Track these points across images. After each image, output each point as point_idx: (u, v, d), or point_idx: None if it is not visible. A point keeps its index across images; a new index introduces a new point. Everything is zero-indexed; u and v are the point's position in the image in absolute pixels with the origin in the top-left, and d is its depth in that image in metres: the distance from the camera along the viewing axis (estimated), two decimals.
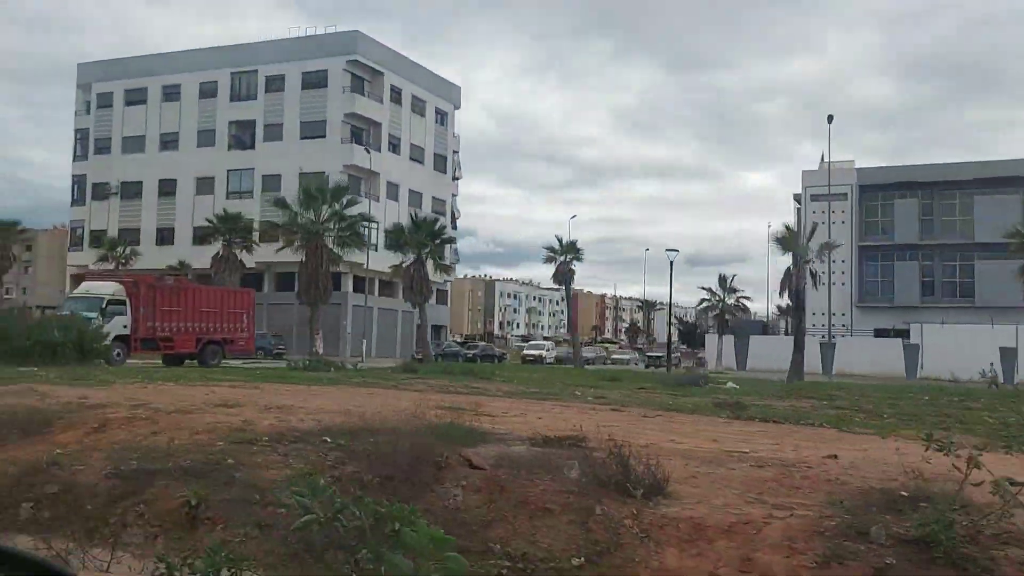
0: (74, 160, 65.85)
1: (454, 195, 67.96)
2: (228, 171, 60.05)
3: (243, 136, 60.49)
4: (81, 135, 65.33)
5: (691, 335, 69.46)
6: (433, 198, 64.82)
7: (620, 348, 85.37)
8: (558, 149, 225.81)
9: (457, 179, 67.99)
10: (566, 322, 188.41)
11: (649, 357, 65.42)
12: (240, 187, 59.77)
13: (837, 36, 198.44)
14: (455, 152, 68.22)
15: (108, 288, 30.84)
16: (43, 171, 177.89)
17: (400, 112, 61.55)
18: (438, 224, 33.18)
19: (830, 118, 42.71)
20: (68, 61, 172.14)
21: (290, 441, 8.82)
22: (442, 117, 66.48)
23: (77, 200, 65.12)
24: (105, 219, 63.09)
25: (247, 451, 8.56)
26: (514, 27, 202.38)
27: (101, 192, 63.30)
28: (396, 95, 61.17)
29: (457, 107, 68.33)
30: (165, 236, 61.34)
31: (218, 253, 44.82)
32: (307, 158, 56.92)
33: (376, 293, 59.07)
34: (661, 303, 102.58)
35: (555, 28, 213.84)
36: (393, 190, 60.42)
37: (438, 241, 34.52)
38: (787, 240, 31.74)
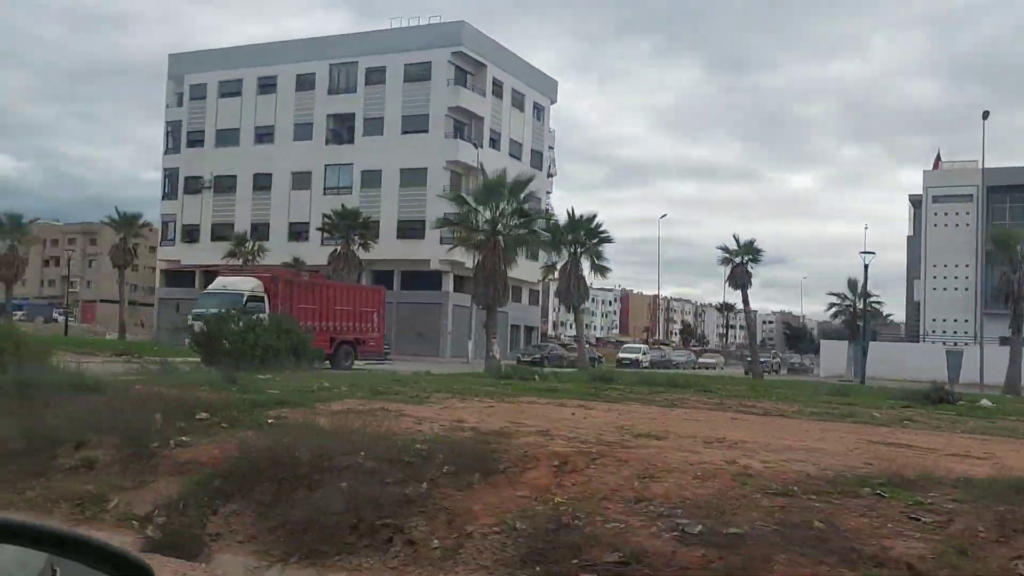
0: (165, 153, 64.91)
1: (548, 192, 66.01)
2: (326, 166, 58.62)
3: (341, 130, 59.05)
4: (172, 128, 64.37)
5: (799, 339, 66.73)
6: (534, 196, 62.93)
7: (702, 352, 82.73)
8: (597, 148, 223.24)
9: (552, 176, 66.02)
10: (618, 323, 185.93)
11: (749, 362, 62.87)
12: (338, 183, 58.33)
13: (882, 38, 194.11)
14: (550, 148, 66.28)
15: (247, 284, 29.39)
16: (85, 165, 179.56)
17: (501, 106, 59.75)
18: (595, 222, 31.14)
19: (985, 114, 39.98)
20: (109, 57, 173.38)
21: (838, 495, 6.89)
22: (539, 111, 64.60)
23: (168, 194, 64.16)
24: (197, 213, 62.07)
25: (824, 507, 6.64)
26: (555, 26, 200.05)
27: (194, 186, 62.23)
28: (498, 88, 59.37)
29: (553, 101, 66.41)
30: (260, 231, 60.07)
31: (336, 250, 43.30)
32: (408, 153, 55.35)
33: (451, 289, 56.76)
34: (734, 307, 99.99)
35: (595, 28, 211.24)
36: None
37: (595, 240, 32.39)
38: (1005, 241, 29.24)
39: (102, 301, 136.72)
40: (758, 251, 38.34)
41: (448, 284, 55.66)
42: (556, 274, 32.06)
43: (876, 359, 51.27)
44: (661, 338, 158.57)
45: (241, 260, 40.65)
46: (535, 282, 65.94)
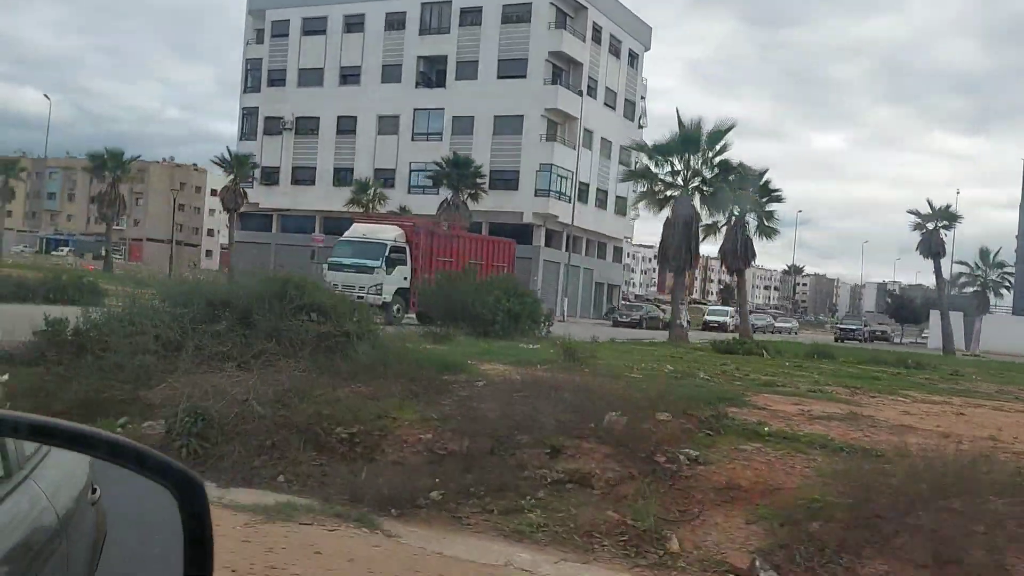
0: (244, 92, 62.72)
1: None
2: (415, 110, 56.28)
3: (432, 73, 56.59)
4: (252, 65, 62.07)
5: (905, 309, 64.30)
6: (620, 148, 60.48)
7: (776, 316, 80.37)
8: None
9: (642, 128, 63.33)
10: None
11: (841, 330, 60.68)
12: (427, 128, 56.05)
13: None
14: (642, 98, 63.54)
15: (389, 233, 26.94)
16: (110, 101, 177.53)
17: (599, 52, 56.99)
18: (764, 178, 28.71)
19: None
20: None
21: None
22: (634, 59, 61.75)
23: (246, 134, 62.11)
24: (277, 155, 60.08)
25: None
26: None
27: (274, 127, 60.16)
28: (597, 33, 56.55)
29: (647, 49, 63.43)
30: (343, 177, 58.09)
31: (446, 200, 41.30)
32: (503, 99, 52.84)
33: (543, 244, 54.55)
34: (802, 269, 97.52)
35: None
36: (587, 138, 56.17)
37: (766, 199, 30.03)
38: None
39: (148, 240, 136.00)
40: (955, 216, 35.58)
41: (540, 239, 53.65)
42: (718, 234, 29.78)
43: (992, 334, 49.08)
44: (698, 297, 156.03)
45: (363, 208, 38.49)
46: (621, 238, 63.86)
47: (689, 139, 23.87)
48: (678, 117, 24.06)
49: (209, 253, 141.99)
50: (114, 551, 1.84)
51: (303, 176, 59.40)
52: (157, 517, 1.50)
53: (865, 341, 57.26)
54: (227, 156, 47.40)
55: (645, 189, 26.26)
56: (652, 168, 25.60)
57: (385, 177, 56.97)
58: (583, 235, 56.95)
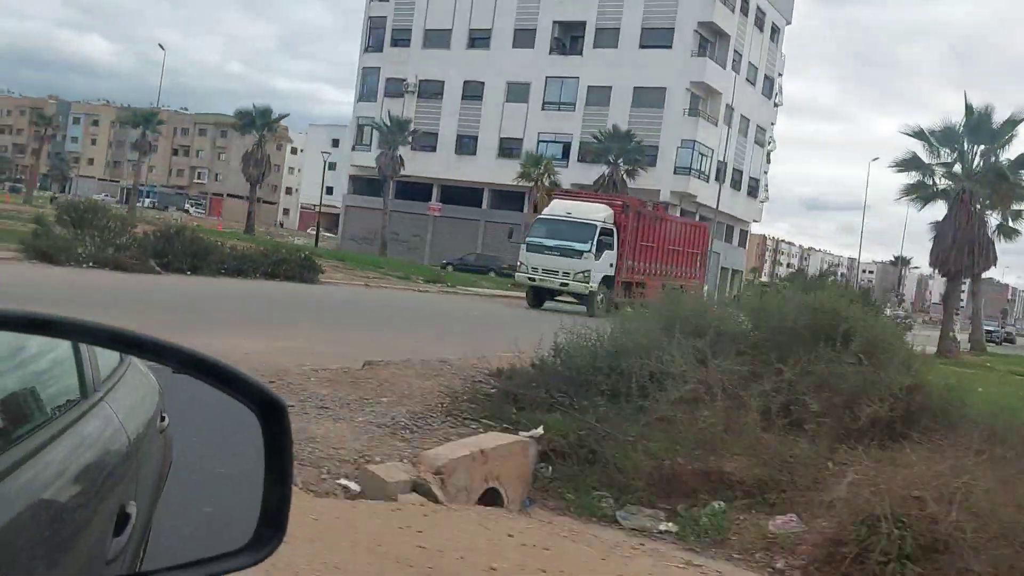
0: (364, 51, 60.70)
1: (772, 124, 60.26)
2: (547, 78, 53.79)
3: (568, 39, 53.96)
4: (375, 24, 59.96)
5: None
6: (757, 126, 57.50)
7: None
8: None
9: (778, 106, 60.14)
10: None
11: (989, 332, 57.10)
12: (560, 97, 53.59)
13: None
14: (779, 75, 60.19)
15: (599, 213, 24.11)
16: (173, 53, 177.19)
17: (746, 24, 53.83)
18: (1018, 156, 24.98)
19: None
20: None
21: None
22: (775, 33, 58.41)
23: (365, 95, 60.20)
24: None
25: None
26: None
27: (396, 89, 58.12)
28: (745, 3, 53.35)
29: (788, 22, 59.99)
30: (465, 145, 56.02)
31: (603, 176, 39.01)
32: (645, 70, 50.06)
33: None
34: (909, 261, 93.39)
35: None
36: (728, 114, 53.24)
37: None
38: None
39: (229, 196, 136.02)
40: None
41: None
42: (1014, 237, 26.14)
43: None
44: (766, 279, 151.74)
45: (533, 182, 36.17)
46: (749, 221, 60.93)
47: (979, 127, 21.12)
48: (966, 103, 21.34)
49: (287, 212, 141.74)
50: (181, 476, 1.89)
51: (424, 141, 57.35)
52: (225, 443, 1.56)
53: (1000, 343, 54.02)
54: (382, 119, 45.33)
55: (915, 181, 23.56)
56: (924, 158, 22.82)
57: (511, 147, 54.80)
58: (713, 216, 54.32)
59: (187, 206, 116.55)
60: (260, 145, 45.13)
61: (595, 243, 23.22)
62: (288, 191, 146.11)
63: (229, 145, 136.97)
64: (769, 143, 58.99)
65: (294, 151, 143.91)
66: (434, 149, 56.95)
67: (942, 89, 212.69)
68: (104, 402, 1.61)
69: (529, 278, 23.65)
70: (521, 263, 23.96)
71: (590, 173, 48.74)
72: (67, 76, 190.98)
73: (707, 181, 50.65)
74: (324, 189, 69.68)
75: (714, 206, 51.40)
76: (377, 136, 59.14)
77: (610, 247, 23.91)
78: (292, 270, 19.99)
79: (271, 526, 1.36)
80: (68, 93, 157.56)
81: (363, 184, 60.10)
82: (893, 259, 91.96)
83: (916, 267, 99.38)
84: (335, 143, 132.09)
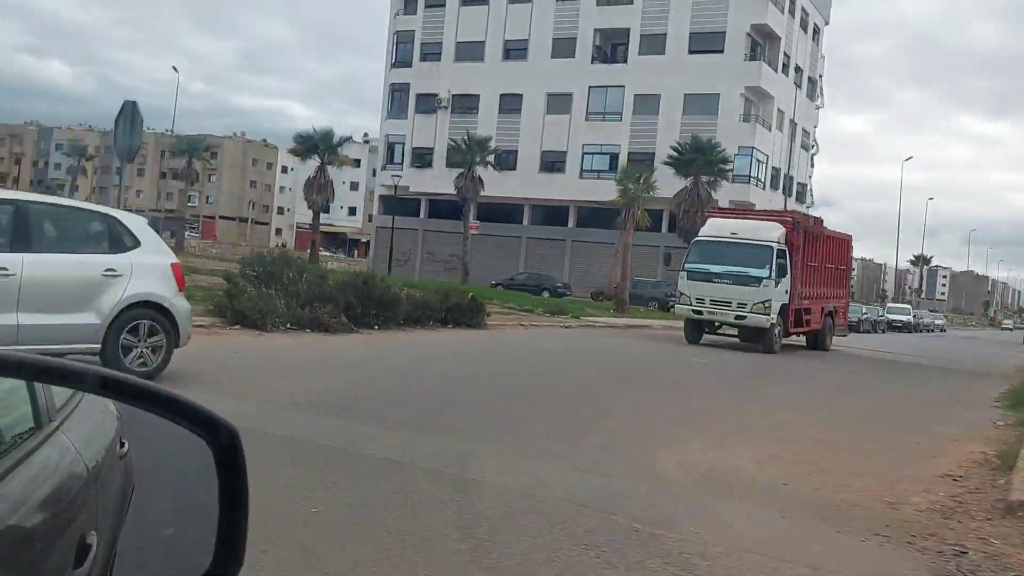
0: (392, 67, 58.39)
1: (815, 127, 58.83)
2: (590, 88, 51.90)
3: (607, 47, 52.16)
4: (402, 38, 57.75)
5: None
6: (803, 130, 56.03)
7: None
8: None
9: (819, 109, 58.76)
10: None
11: None
12: (604, 107, 51.72)
13: None
14: (820, 76, 58.80)
15: (773, 232, 21.00)
16: (136, 74, 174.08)
17: (793, 25, 52.36)
18: None
19: None
20: None
21: None
22: (816, 34, 57.04)
23: (394, 112, 57.94)
24: (431, 135, 55.89)
25: None
26: None
27: (427, 104, 55.95)
28: (792, 4, 51.89)
29: (827, 22, 58.66)
30: (504, 159, 53.92)
31: (685, 188, 37.08)
32: (696, 77, 48.34)
33: None
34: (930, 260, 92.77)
35: None
36: (779, 118, 51.73)
37: None
38: None
39: (221, 217, 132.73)
40: None
41: None
42: None
43: None
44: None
45: (630, 198, 33.87)
46: None
47: None
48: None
49: (279, 232, 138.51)
50: (141, 503, 1.88)
51: (458, 157, 55.21)
52: (184, 469, 1.55)
53: None
54: (463, 140, 42.86)
55: None
56: None
57: (552, 160, 52.87)
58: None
59: (186, 233, 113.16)
60: (324, 171, 42.65)
61: (773, 267, 20.51)
62: (280, 211, 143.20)
63: (219, 166, 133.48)
64: (812, 147, 57.50)
65: (284, 170, 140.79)
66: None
67: (899, 85, 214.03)
68: (60, 431, 1.58)
69: (695, 311, 21.10)
70: (682, 293, 21.54)
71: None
72: (27, 100, 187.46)
73: (764, 188, 49.02)
74: (363, 210, 67.07)
75: None
76: (409, 154, 56.96)
77: (785, 271, 21.00)
78: (463, 315, 17.82)
79: (227, 554, 1.33)
80: (28, 117, 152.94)
81: (394, 203, 57.87)
82: (916, 258, 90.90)
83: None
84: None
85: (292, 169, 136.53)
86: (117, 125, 13.28)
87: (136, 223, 8.41)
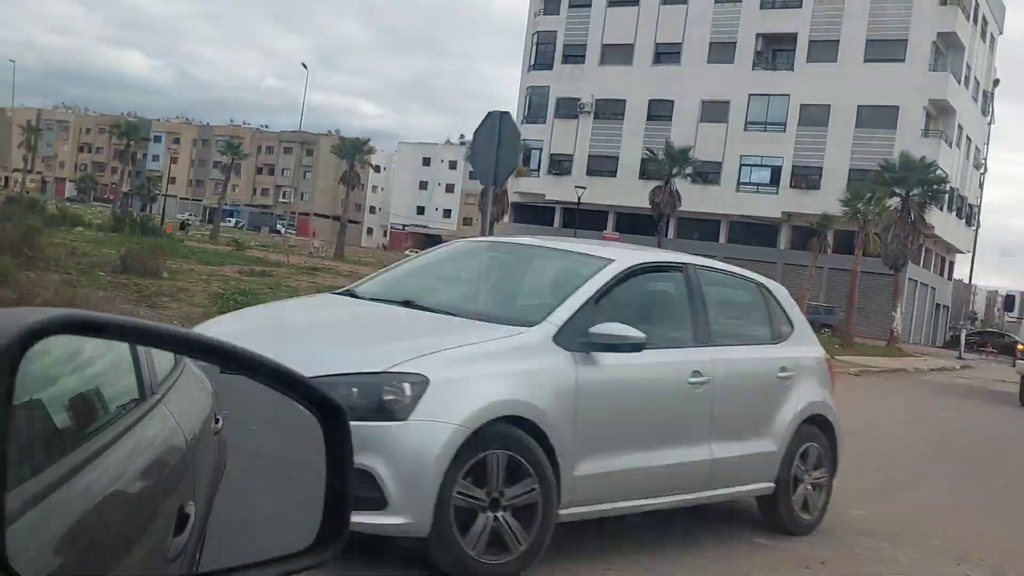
0: (530, 69, 55.87)
1: (986, 144, 54.44)
2: (750, 96, 48.55)
3: (773, 53, 48.76)
4: (542, 39, 55.16)
5: None
6: (976, 147, 51.78)
7: None
8: None
9: (991, 125, 54.35)
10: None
11: None
12: (765, 117, 48.34)
13: None
14: (994, 88, 54.43)
15: None
16: (210, 67, 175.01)
17: (975, 34, 48.29)
18: None
19: None
20: None
21: None
22: (992, 43, 52.77)
23: (531, 116, 55.33)
24: (571, 142, 53.22)
25: None
26: None
27: (569, 109, 53.25)
28: (975, 11, 47.82)
29: (1001, 32, 54.28)
30: (650, 170, 50.93)
31: (896, 210, 33.53)
32: (873, 87, 44.61)
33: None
34: None
35: None
36: (958, 134, 47.67)
37: None
38: None
39: (316, 215, 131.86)
40: None
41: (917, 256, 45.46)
42: None
43: None
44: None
45: (854, 215, 30.79)
46: (964, 251, 54.74)
47: None
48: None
49: (370, 231, 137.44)
50: (236, 477, 1.89)
51: (601, 166, 52.39)
52: (281, 443, 1.61)
53: None
54: (661, 149, 40.30)
55: None
56: None
57: (706, 171, 49.56)
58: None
59: (279, 227, 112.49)
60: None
61: None
62: (372, 210, 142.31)
63: (315, 164, 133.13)
64: (982, 166, 53.14)
65: (377, 169, 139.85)
66: (613, 174, 51.96)
67: None
68: (162, 404, 1.62)
69: None
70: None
71: (807, 200, 43.80)
72: (107, 91, 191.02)
73: (941, 210, 45.10)
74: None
75: (949, 239, 45.99)
76: (547, 161, 54.38)
77: None
78: None
79: (334, 525, 1.39)
80: (110, 109, 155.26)
81: (528, 212, 55.42)
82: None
83: None
84: (425, 162, 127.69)
85: (384, 168, 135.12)
86: (477, 139, 10.79)
87: (784, 296, 5.79)
